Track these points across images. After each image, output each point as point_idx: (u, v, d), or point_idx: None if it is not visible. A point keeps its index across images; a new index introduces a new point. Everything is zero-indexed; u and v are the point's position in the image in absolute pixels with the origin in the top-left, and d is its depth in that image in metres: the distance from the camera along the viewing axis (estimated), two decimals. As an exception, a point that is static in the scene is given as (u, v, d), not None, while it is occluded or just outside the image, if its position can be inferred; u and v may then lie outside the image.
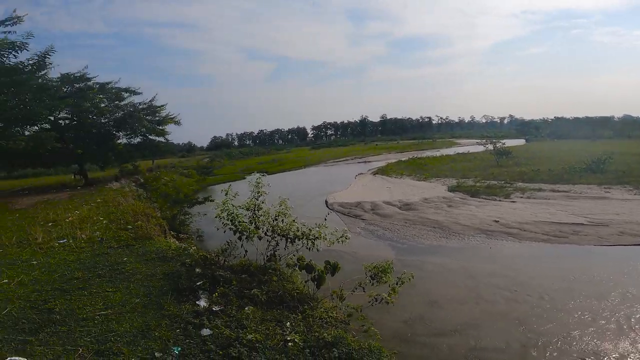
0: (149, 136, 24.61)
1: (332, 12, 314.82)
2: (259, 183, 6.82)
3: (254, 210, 6.68)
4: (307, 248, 6.24)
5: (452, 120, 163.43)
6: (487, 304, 8.11)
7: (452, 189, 21.16)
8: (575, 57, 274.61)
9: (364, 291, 5.86)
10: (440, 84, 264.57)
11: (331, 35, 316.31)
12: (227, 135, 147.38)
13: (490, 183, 21.31)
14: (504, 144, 31.62)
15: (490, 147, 31.23)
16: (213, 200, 11.64)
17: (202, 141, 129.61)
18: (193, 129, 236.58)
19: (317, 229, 6.29)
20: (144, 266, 6.23)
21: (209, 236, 15.09)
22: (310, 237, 6.23)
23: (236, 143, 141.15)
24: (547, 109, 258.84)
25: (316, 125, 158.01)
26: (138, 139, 24.70)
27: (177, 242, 9.69)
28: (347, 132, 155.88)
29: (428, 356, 6.26)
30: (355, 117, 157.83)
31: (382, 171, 32.43)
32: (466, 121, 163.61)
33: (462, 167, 29.14)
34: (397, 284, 5.79)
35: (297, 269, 6.01)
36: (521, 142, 61.78)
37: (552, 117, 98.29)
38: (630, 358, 5.81)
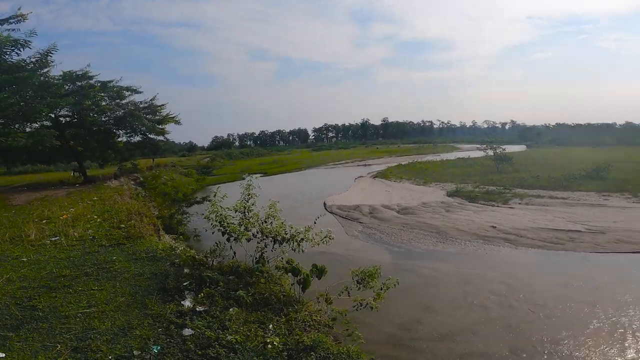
0: (149, 135, 24.70)
1: (337, 13, 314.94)
2: (249, 186, 6.84)
3: (244, 212, 6.68)
4: (292, 249, 6.23)
5: (454, 125, 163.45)
6: (482, 309, 8.03)
7: (451, 194, 21.06)
8: (580, 63, 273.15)
9: (349, 295, 5.82)
10: (444, 88, 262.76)
11: (336, 36, 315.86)
12: (229, 135, 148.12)
13: (489, 189, 21.20)
14: (504, 149, 31.39)
15: (491, 152, 31.06)
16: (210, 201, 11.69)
17: (204, 141, 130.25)
18: (195, 128, 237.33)
19: (302, 230, 6.28)
20: (133, 265, 6.23)
21: (206, 237, 15.00)
22: (296, 239, 6.22)
23: (237, 143, 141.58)
24: (550, 114, 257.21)
25: (317, 127, 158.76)
26: (138, 138, 24.80)
27: (171, 241, 9.68)
28: (348, 134, 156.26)
29: (420, 361, 6.20)
30: (356, 120, 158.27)
31: (382, 175, 32.31)
32: (467, 126, 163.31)
33: (462, 172, 29.00)
34: (381, 289, 5.74)
35: (284, 271, 5.98)
36: (522, 148, 61.59)
37: (554, 124, 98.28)
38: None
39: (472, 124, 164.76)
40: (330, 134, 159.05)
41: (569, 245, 11.57)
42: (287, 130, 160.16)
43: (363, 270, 5.88)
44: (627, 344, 6.27)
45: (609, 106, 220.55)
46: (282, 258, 6.21)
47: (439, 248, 12.41)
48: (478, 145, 46.95)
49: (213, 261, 6.16)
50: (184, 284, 5.33)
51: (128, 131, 23.98)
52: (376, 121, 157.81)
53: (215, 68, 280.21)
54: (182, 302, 4.86)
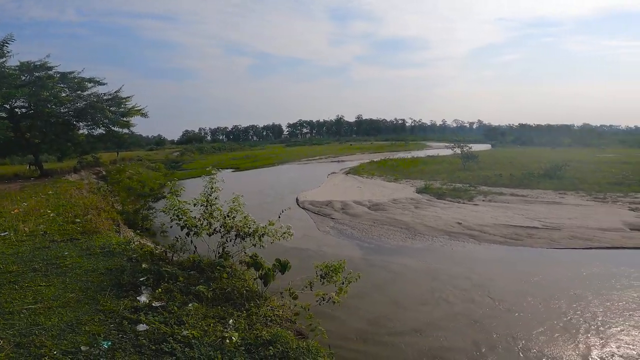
0: (113, 127, 23.65)
1: (316, 10, 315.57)
2: (212, 179, 6.66)
3: (206, 206, 6.51)
4: (253, 245, 6.13)
5: (425, 124, 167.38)
6: (447, 304, 8.23)
7: (420, 191, 21.49)
8: (544, 65, 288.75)
9: (311, 290, 5.79)
10: (417, 87, 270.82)
11: (314, 33, 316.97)
12: (200, 129, 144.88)
13: (456, 186, 21.81)
14: (470, 148, 32.52)
15: (458, 151, 32.07)
16: (179, 195, 11.36)
17: (174, 134, 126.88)
18: (165, 122, 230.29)
19: (263, 225, 6.20)
20: (86, 261, 5.94)
21: (173, 232, 14.60)
22: (258, 233, 6.12)
23: (209, 138, 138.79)
24: (515, 115, 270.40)
25: (292, 122, 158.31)
26: (101, 130, 23.71)
27: (132, 236, 9.29)
28: (322, 130, 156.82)
29: (389, 356, 6.29)
30: (331, 117, 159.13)
31: (354, 171, 32.58)
32: (438, 125, 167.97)
33: (431, 170, 29.73)
34: (343, 283, 5.75)
35: (247, 266, 5.87)
36: (487, 147, 63.98)
37: (517, 124, 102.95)
38: (571, 358, 6.04)
39: (442, 123, 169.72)
40: (305, 130, 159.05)
41: (527, 241, 12.06)
42: (261, 125, 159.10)
43: (327, 264, 5.86)
44: (580, 337, 6.60)
45: (570, 107, 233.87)
46: (246, 253, 6.09)
47: (408, 244, 12.63)
48: (447, 144, 48.50)
49: (173, 256, 5.95)
50: (141, 279, 5.11)
51: (89, 123, 22.88)
52: (350, 118, 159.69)
53: (190, 62, 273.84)
54: (137, 298, 4.66)
